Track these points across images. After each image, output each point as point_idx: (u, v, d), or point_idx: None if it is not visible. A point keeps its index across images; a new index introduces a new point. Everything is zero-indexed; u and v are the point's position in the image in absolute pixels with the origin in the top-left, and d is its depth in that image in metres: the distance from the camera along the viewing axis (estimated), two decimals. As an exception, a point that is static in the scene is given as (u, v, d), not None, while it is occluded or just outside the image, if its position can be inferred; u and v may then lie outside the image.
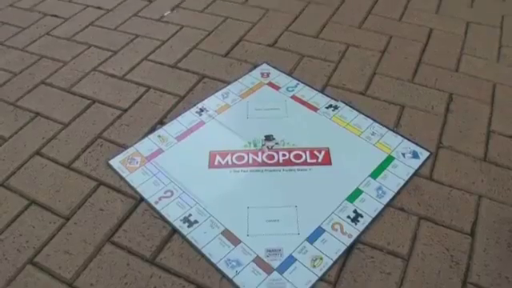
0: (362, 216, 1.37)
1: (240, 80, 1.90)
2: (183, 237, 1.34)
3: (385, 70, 1.92)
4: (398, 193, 1.44)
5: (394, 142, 1.60)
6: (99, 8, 2.46)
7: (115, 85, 1.92)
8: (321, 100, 1.78)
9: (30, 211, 1.44)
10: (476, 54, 2.01)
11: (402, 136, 1.62)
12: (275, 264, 1.26)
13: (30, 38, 2.25)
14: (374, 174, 1.49)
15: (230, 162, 1.54)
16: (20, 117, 1.79)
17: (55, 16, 2.42)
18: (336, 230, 1.34)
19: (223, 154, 1.57)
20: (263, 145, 1.60)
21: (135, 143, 1.64)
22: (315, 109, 1.74)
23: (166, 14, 2.36)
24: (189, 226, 1.36)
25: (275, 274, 1.24)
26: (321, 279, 1.24)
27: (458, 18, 2.25)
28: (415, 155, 1.55)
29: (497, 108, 1.74)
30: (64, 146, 1.65)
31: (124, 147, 1.63)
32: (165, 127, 1.70)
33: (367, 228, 1.35)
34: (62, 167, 1.57)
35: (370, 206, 1.40)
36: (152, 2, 2.48)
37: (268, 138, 1.62)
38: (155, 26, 2.28)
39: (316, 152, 1.56)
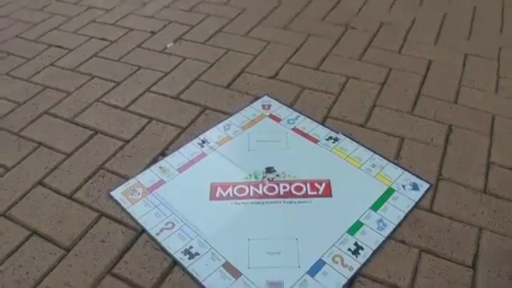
0: (362, 248, 1.37)
1: (241, 112, 1.92)
2: (184, 269, 1.34)
3: (384, 102, 1.95)
4: (399, 225, 1.44)
5: (394, 173, 1.61)
6: (103, 39, 2.50)
7: (118, 116, 1.94)
8: (321, 132, 1.80)
9: (30, 242, 1.44)
10: (474, 86, 2.04)
11: (402, 168, 1.63)
12: (276, 297, 1.26)
13: (35, 69, 2.29)
14: (375, 206, 1.49)
15: (231, 194, 1.55)
16: (23, 146, 1.81)
17: (60, 47, 2.47)
18: (337, 262, 1.34)
19: (224, 186, 1.58)
20: (264, 177, 1.61)
21: (137, 174, 1.65)
22: (316, 141, 1.76)
23: (168, 46, 2.40)
24: (190, 258, 1.36)
25: (276, 308, 1.24)
26: (322, 313, 1.23)
27: (456, 50, 2.29)
28: (415, 187, 1.56)
29: (496, 139, 1.75)
30: (66, 176, 1.66)
31: (126, 178, 1.64)
32: (166, 158, 1.71)
33: (368, 260, 1.34)
34: (63, 198, 1.58)
35: (371, 239, 1.40)
36: (155, 34, 2.53)
37: (269, 170, 1.63)
38: (158, 58, 2.32)
39: (317, 184, 1.57)
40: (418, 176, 1.60)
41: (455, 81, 2.07)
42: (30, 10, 2.89)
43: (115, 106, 2.00)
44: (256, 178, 1.61)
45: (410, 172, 1.61)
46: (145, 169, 1.67)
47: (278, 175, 1.61)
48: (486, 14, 2.60)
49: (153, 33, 2.54)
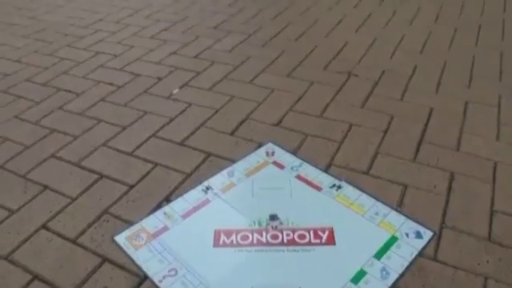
0: (366, 298, 1.36)
1: (245, 158, 1.94)
2: (186, 318, 1.33)
3: (387, 150, 1.97)
4: (402, 274, 1.43)
5: (398, 221, 1.61)
6: (111, 84, 2.56)
7: (123, 160, 1.97)
8: (325, 179, 1.81)
9: (32, 287, 1.43)
10: (476, 133, 2.06)
11: (405, 216, 1.64)
12: None
13: (43, 112, 2.33)
14: (378, 255, 1.49)
15: (234, 241, 1.55)
16: (29, 189, 1.82)
17: (68, 91, 2.52)
18: (340, 312, 1.33)
19: (228, 233, 1.58)
20: (268, 224, 1.61)
21: (141, 220, 1.66)
22: (319, 188, 1.77)
23: (174, 92, 2.45)
24: (192, 307, 1.35)
25: None
26: None
27: (456, 97, 2.33)
28: (419, 235, 1.56)
29: (498, 187, 1.76)
30: (70, 220, 1.67)
31: (130, 223, 1.65)
32: (171, 204, 1.72)
33: (372, 311, 1.33)
34: (67, 242, 1.58)
35: (375, 288, 1.39)
36: (161, 80, 2.58)
37: (273, 217, 1.64)
38: (164, 104, 2.36)
39: (320, 232, 1.57)
40: (421, 224, 1.60)
41: (457, 128, 2.10)
42: (41, 54, 2.97)
43: (121, 151, 2.02)
44: (260, 225, 1.61)
45: (413, 220, 1.62)
46: (149, 214, 1.68)
47: (281, 223, 1.61)
48: (485, 61, 2.66)
49: (159, 79, 2.60)
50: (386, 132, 2.08)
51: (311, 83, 2.48)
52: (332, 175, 1.83)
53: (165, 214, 1.68)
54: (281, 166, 1.89)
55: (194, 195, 1.76)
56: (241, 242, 1.55)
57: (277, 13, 3.42)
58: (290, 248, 1.52)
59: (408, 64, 2.64)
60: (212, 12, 3.51)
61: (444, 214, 1.64)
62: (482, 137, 2.04)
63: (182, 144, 2.06)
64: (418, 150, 1.96)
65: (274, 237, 1.56)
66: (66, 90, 2.53)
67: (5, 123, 2.27)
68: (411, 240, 1.54)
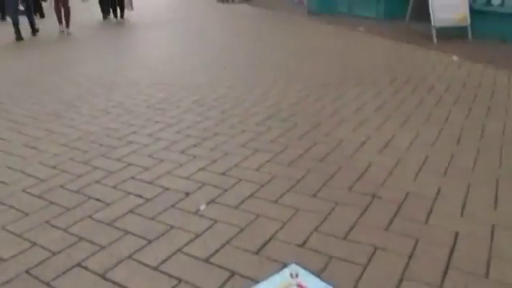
0: None
1: (269, 279, 1.93)
2: None
3: (412, 276, 1.94)
4: None
5: None
6: (139, 196, 2.63)
7: (148, 275, 1.98)
8: (349, 305, 1.78)
9: None
10: (505, 259, 2.02)
11: None
12: None
13: (73, 220, 2.40)
14: None
15: None
16: (51, 298, 1.84)
17: (98, 200, 2.60)
18: None
19: None
20: None
21: None
22: (343, 314, 1.73)
23: (201, 208, 2.50)
24: None
25: None
26: None
27: (483, 220, 2.31)
28: None
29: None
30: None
31: None
32: (192, 324, 1.70)
33: None
34: None
35: None
36: (189, 195, 2.65)
37: None
38: (190, 219, 2.40)
39: None
40: None
41: (484, 253, 2.07)
42: (76, 162, 3.11)
43: (146, 265, 2.04)
44: None
45: None
46: (170, 334, 1.66)
47: None
48: (510, 183, 2.67)
49: (187, 194, 2.66)
50: (410, 256, 2.06)
51: (336, 204, 2.51)
52: (356, 301, 1.80)
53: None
54: (305, 289, 1.87)
55: (216, 316, 1.74)
56: None
57: (303, 133, 3.56)
58: None
59: (432, 186, 2.67)
60: (240, 130, 3.66)
61: None
62: (512, 263, 2.00)
63: (206, 261, 2.07)
64: (444, 276, 1.93)
65: None
66: (96, 199, 2.61)
67: (35, 228, 2.34)
68: None
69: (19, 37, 8.92)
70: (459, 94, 4.47)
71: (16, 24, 8.88)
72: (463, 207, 2.45)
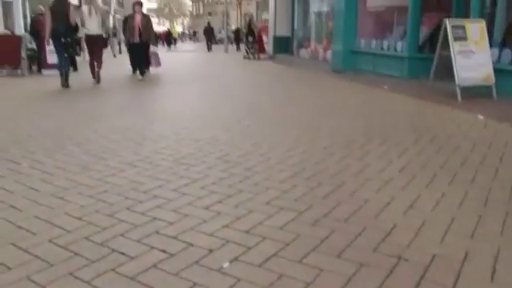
0: None
1: None
2: None
3: None
4: None
5: None
6: (163, 251, 2.63)
7: (169, 335, 1.96)
8: None
9: None
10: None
11: None
12: None
13: (97, 273, 2.40)
14: None
15: None
16: None
17: (123, 254, 2.61)
18: None
19: None
20: None
21: None
22: None
23: (224, 266, 2.48)
24: None
25: None
26: None
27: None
28: None
29: None
30: None
31: None
32: None
33: None
34: None
35: None
36: (212, 252, 2.64)
37: None
38: (213, 277, 2.38)
39: None
40: None
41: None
42: (101, 214, 3.15)
43: (168, 325, 2.03)
44: None
45: None
46: None
47: None
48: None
49: (211, 251, 2.65)
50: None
51: (360, 265, 2.47)
52: None
53: None
54: None
55: None
56: None
57: (327, 192, 3.55)
58: None
59: (459, 248, 2.62)
60: (265, 187, 3.67)
61: None
62: None
63: (228, 321, 2.05)
64: None
65: None
66: (120, 252, 2.62)
67: (58, 279, 2.35)
68: None
69: (66, 84, 9.53)
70: (485, 154, 4.44)
71: (66, 73, 9.51)
72: (493, 272, 2.39)
